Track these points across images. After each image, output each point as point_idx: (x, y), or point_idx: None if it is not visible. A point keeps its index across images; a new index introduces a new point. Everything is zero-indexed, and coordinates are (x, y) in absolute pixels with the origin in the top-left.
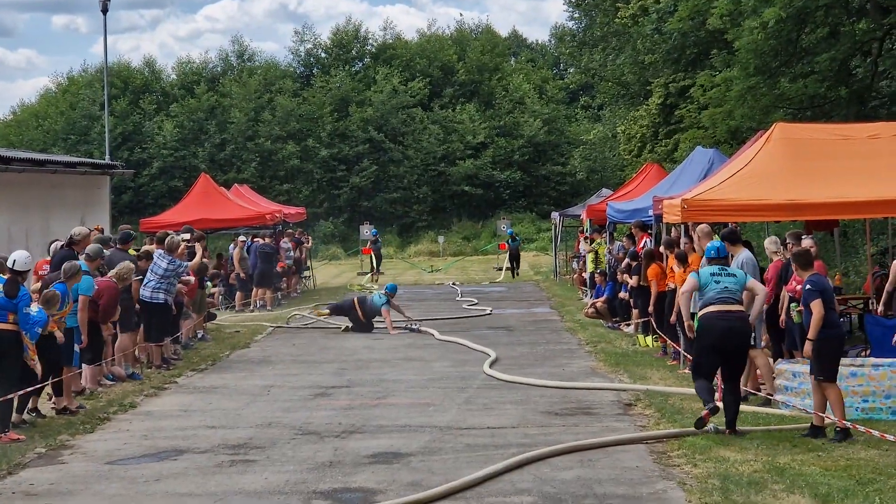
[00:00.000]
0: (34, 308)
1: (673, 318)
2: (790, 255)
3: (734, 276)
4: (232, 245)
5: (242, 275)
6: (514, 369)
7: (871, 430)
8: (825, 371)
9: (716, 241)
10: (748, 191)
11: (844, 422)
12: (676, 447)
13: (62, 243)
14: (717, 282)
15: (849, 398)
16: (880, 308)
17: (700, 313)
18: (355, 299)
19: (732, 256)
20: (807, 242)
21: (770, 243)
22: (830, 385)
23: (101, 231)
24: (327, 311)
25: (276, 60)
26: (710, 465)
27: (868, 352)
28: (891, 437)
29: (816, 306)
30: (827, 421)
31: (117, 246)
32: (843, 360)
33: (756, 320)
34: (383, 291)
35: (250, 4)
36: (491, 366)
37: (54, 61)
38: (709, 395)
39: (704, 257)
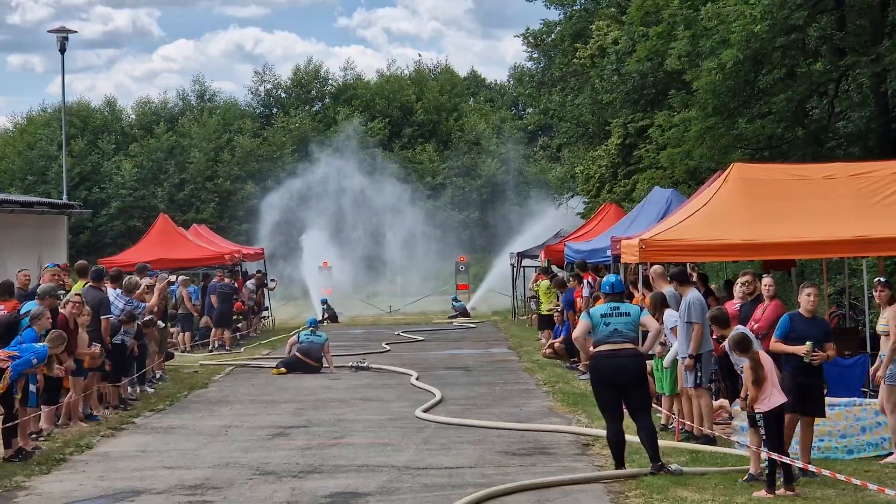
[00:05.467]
0: (38, 344)
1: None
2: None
3: (627, 314)
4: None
5: (195, 313)
6: (471, 409)
7: (821, 470)
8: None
9: (611, 277)
10: (706, 231)
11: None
12: (634, 487)
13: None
14: (607, 323)
15: None
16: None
17: (592, 352)
18: (297, 355)
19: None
20: (766, 281)
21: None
22: None
23: (67, 269)
24: (283, 368)
25: (236, 100)
26: None
27: (825, 392)
28: (842, 477)
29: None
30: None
31: (90, 283)
32: None
33: (649, 351)
34: (310, 328)
35: (206, 45)
36: (433, 407)
37: (11, 101)
38: (618, 454)
39: (601, 292)
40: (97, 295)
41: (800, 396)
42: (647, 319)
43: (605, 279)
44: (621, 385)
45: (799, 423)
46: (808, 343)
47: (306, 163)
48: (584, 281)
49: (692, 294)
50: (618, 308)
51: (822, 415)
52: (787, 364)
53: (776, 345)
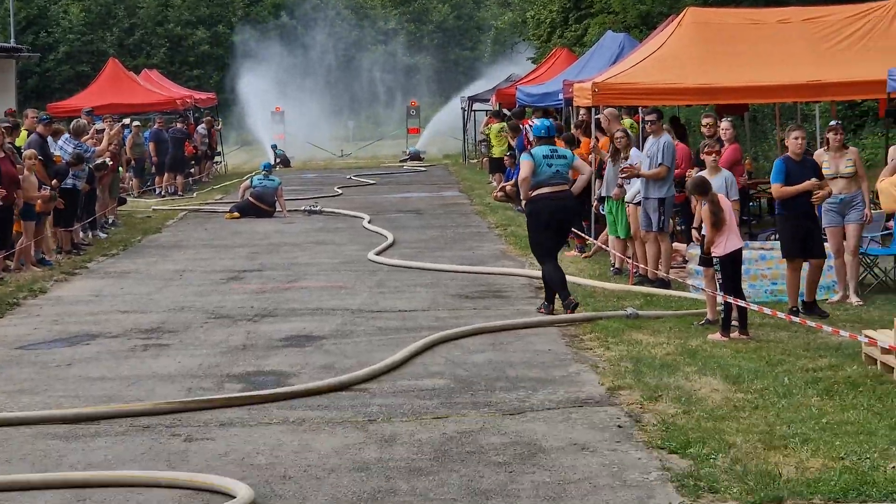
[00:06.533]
0: None
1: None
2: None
3: (564, 157)
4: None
5: (132, 160)
6: (424, 253)
7: (776, 312)
8: None
9: (545, 121)
10: (659, 75)
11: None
12: (589, 330)
13: None
14: (550, 165)
15: (758, 281)
16: None
17: (532, 194)
18: (250, 199)
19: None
20: (724, 125)
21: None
22: None
23: (14, 114)
24: (236, 213)
25: None
26: (622, 348)
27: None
28: (796, 320)
29: None
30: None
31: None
32: (753, 244)
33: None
34: (263, 172)
35: None
36: (385, 250)
37: None
38: (563, 288)
39: (533, 135)
40: (34, 140)
41: (804, 241)
42: (580, 164)
43: (538, 122)
44: (559, 226)
45: (808, 266)
46: (812, 179)
47: (257, 7)
48: (525, 127)
49: (665, 137)
50: (556, 151)
51: (824, 256)
52: (783, 210)
53: (781, 190)
